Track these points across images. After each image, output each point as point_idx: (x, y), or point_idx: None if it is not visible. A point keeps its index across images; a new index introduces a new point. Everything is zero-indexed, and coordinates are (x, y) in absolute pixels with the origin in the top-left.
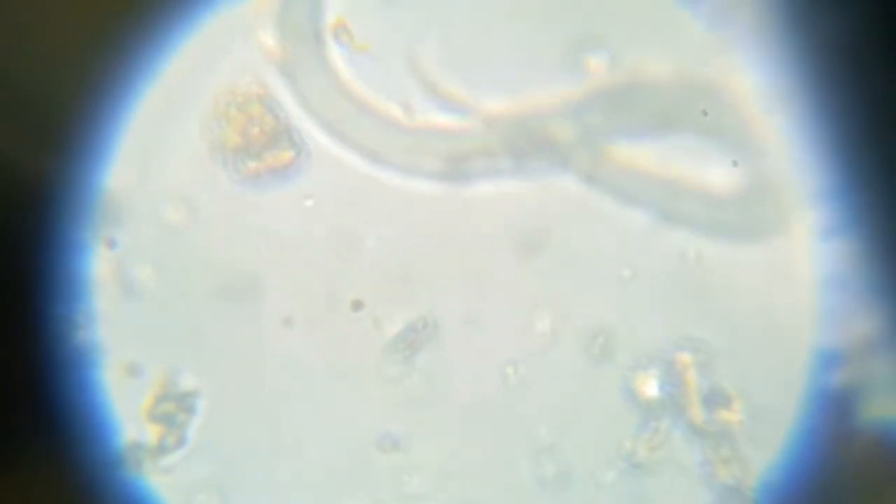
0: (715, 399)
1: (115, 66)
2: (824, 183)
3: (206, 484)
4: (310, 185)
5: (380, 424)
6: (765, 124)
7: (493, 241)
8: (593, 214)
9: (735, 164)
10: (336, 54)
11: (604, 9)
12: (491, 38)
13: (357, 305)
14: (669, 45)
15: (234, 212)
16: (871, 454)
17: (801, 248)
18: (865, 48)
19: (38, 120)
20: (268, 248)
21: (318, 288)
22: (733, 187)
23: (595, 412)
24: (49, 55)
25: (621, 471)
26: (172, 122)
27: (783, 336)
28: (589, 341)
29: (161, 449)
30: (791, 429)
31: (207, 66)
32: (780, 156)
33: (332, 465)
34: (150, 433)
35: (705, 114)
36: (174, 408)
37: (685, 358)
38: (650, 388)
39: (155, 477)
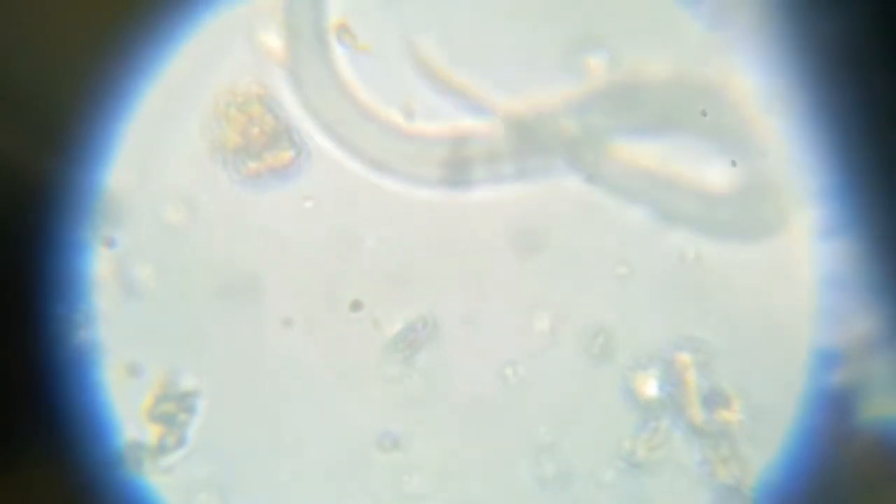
0: (714, 399)
1: (116, 66)
2: (824, 183)
3: (206, 484)
4: (310, 185)
5: (380, 424)
6: (764, 124)
7: (492, 241)
8: (592, 214)
9: (734, 164)
10: (338, 55)
11: (603, 9)
12: (491, 38)
13: (356, 306)
14: (669, 45)
15: (234, 212)
16: (870, 454)
17: (801, 247)
18: (864, 48)
19: (38, 120)
20: (268, 248)
21: (317, 288)
22: (733, 187)
23: (595, 412)
24: (49, 55)
25: (621, 470)
26: (172, 122)
27: (783, 336)
28: (589, 341)
29: (161, 449)
30: (790, 428)
31: (207, 66)
32: (780, 156)
33: (332, 464)
34: (151, 433)
35: (704, 114)
36: (174, 408)
37: (685, 358)
38: (650, 387)
39: (155, 477)
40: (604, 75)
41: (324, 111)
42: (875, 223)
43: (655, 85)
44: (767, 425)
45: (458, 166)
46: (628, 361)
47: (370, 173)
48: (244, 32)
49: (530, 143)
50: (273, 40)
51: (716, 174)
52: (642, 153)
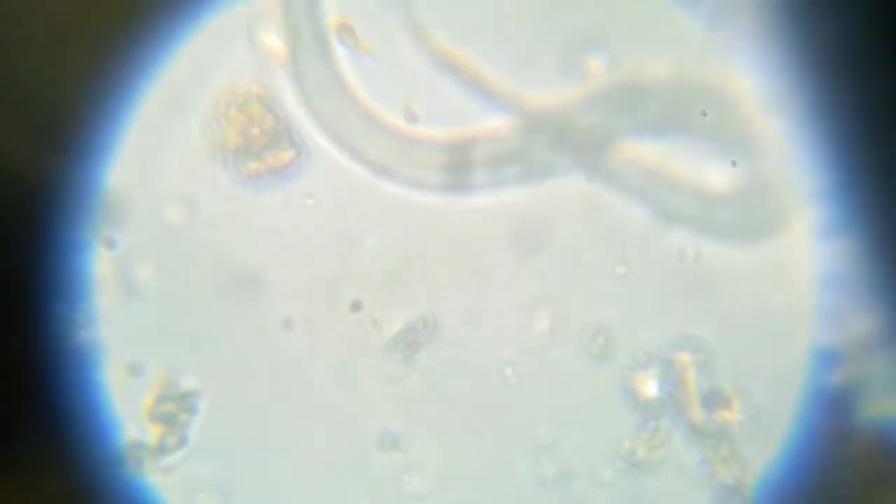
0: (714, 399)
1: (116, 66)
2: (823, 183)
3: (206, 483)
4: (310, 184)
5: (380, 424)
6: (764, 124)
7: (492, 241)
8: (592, 214)
9: (734, 164)
10: (338, 55)
11: (603, 9)
12: (490, 39)
13: (356, 306)
14: (668, 45)
15: (235, 212)
16: (870, 453)
17: (800, 247)
18: (864, 49)
19: (38, 119)
20: (268, 248)
21: (318, 287)
22: (733, 187)
23: (594, 412)
24: (49, 55)
25: (621, 470)
26: (173, 122)
27: (782, 335)
28: (589, 341)
29: (162, 449)
30: (790, 428)
31: (208, 66)
32: (780, 156)
33: (333, 464)
34: (151, 433)
35: (704, 114)
36: (175, 408)
37: (684, 357)
38: (650, 387)
39: (155, 477)
40: (606, 75)
41: (325, 113)
42: (874, 223)
43: (655, 85)
44: (767, 425)
45: (460, 171)
46: (628, 361)
47: (371, 174)
48: (244, 32)
49: (545, 139)
50: (273, 40)
51: (716, 174)
52: (642, 153)
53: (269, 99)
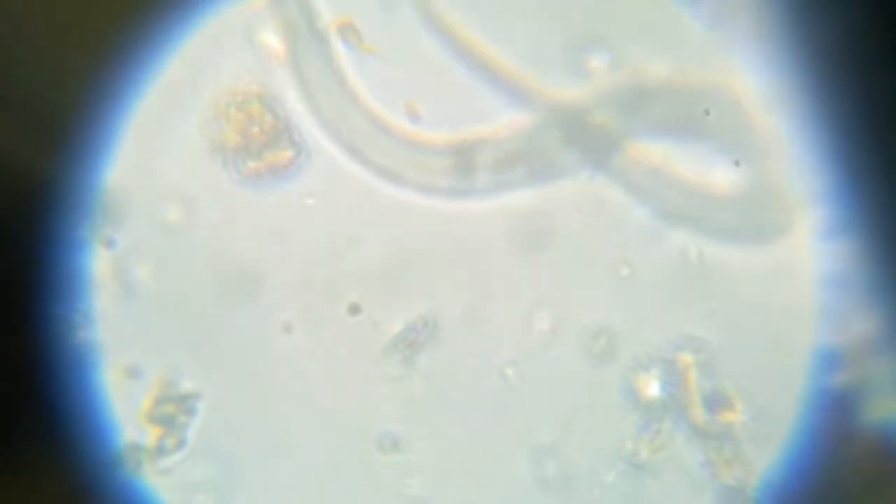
0: (717, 400)
1: (116, 66)
2: (825, 183)
3: (204, 485)
4: (310, 184)
5: (380, 425)
6: (765, 125)
7: (493, 240)
8: (594, 214)
9: (737, 163)
10: (337, 55)
11: (603, 9)
12: (490, 38)
13: (354, 309)
14: (669, 45)
15: (234, 211)
16: (872, 454)
17: (802, 248)
18: (864, 48)
19: (38, 119)
20: (268, 248)
21: (318, 287)
22: (734, 187)
23: (596, 413)
24: (49, 55)
25: (622, 472)
26: (172, 122)
27: (784, 336)
28: (590, 341)
29: (160, 450)
30: (792, 429)
31: (207, 65)
32: (781, 156)
33: (332, 465)
34: (150, 434)
35: (707, 113)
36: (174, 409)
37: (686, 358)
38: (652, 388)
39: (154, 478)
40: (615, 75)
41: (327, 115)
42: (876, 223)
43: (656, 85)
44: (769, 426)
45: (466, 174)
46: (630, 362)
47: (375, 176)
48: (244, 32)
49: (557, 135)
50: (273, 39)
51: (717, 174)
52: (647, 153)
53: (269, 98)
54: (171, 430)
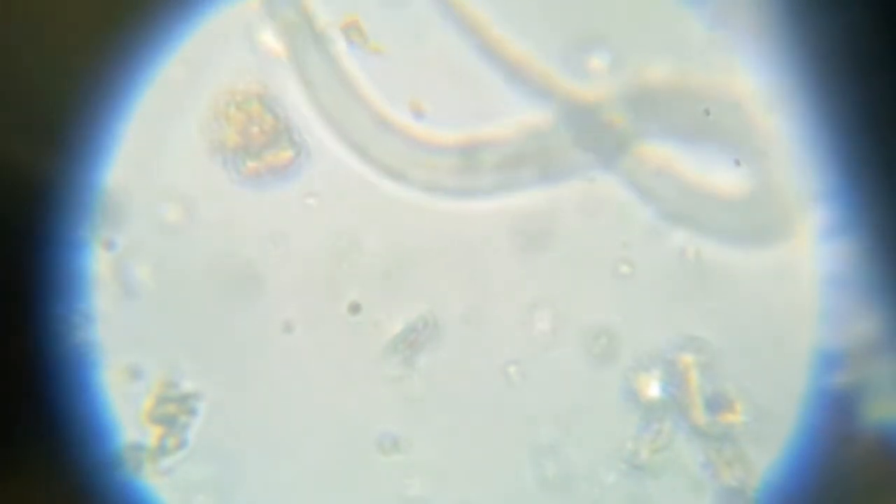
0: (718, 400)
1: (115, 65)
2: (826, 183)
3: (204, 485)
4: (311, 184)
5: (380, 425)
6: (766, 124)
7: (493, 240)
8: (595, 214)
9: (737, 163)
10: (339, 53)
11: (605, 9)
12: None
13: (354, 309)
14: (671, 45)
15: (234, 211)
16: (873, 455)
17: (803, 248)
18: (866, 48)
19: (38, 118)
20: (268, 248)
21: (318, 287)
22: (735, 187)
23: (597, 413)
24: (49, 54)
25: (623, 472)
26: (172, 122)
27: (785, 336)
28: (591, 341)
29: (161, 450)
30: (793, 429)
31: (207, 64)
32: (782, 156)
33: (332, 466)
34: (151, 434)
35: (707, 113)
36: (175, 409)
37: (687, 359)
38: (652, 388)
39: (155, 478)
40: (619, 76)
41: (329, 111)
42: (877, 223)
43: (657, 85)
44: (770, 427)
45: (471, 173)
46: (630, 362)
47: (369, 171)
48: (244, 31)
49: (572, 133)
50: (272, 38)
51: (718, 174)
52: (654, 154)
53: (269, 98)
54: (173, 429)
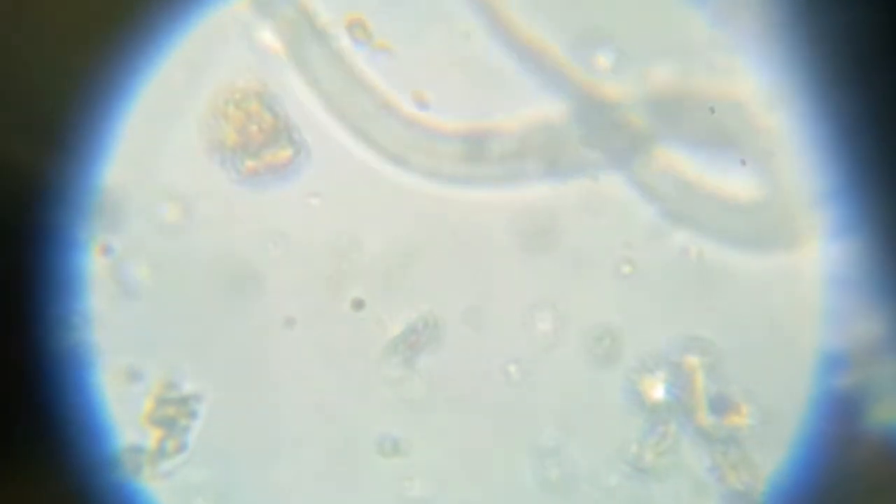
0: (723, 403)
1: (113, 64)
2: (830, 183)
3: (203, 487)
4: (312, 183)
5: (380, 428)
6: (770, 124)
7: (494, 240)
8: (598, 213)
9: (743, 162)
10: (339, 50)
11: (609, 7)
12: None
13: (358, 305)
14: (674, 45)
15: (233, 211)
16: (877, 457)
17: (808, 249)
18: (871, 47)
19: (35, 118)
20: (268, 247)
21: (318, 288)
22: (741, 189)
23: (600, 415)
24: (47, 52)
25: (626, 475)
26: (170, 121)
27: (789, 338)
28: (594, 342)
29: (161, 453)
30: (797, 432)
31: (206, 63)
32: (786, 156)
33: (333, 468)
34: (151, 437)
35: (713, 111)
36: (175, 412)
37: (693, 360)
38: (657, 391)
39: (154, 481)
40: (616, 75)
41: (331, 99)
42: (881, 224)
43: (659, 85)
44: (776, 429)
45: (475, 162)
46: (635, 364)
47: (370, 170)
48: (242, 29)
49: (592, 129)
50: (272, 37)
51: (723, 175)
52: (669, 158)
53: (268, 96)
54: (172, 432)
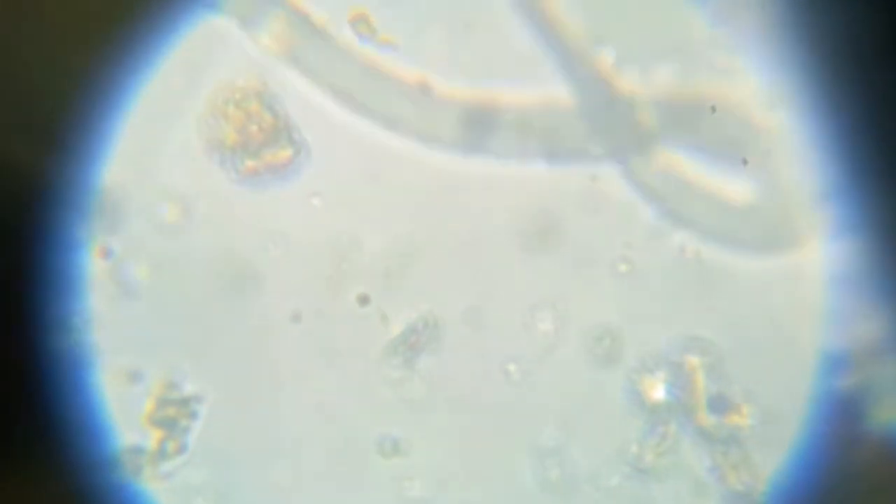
0: (724, 403)
1: (113, 64)
2: (831, 183)
3: (203, 488)
4: (310, 182)
5: (380, 428)
6: (770, 124)
7: (495, 240)
8: (599, 213)
9: (745, 162)
10: (341, 45)
11: (609, 6)
12: (491, 36)
13: (363, 300)
14: (674, 43)
15: (233, 210)
16: (878, 457)
17: (809, 248)
18: (870, 47)
19: (35, 118)
20: (267, 247)
21: (318, 288)
22: (743, 189)
23: (600, 416)
24: (47, 52)
25: (627, 476)
26: (170, 120)
27: (790, 338)
28: (594, 343)
29: (161, 454)
30: (799, 432)
31: (205, 62)
32: (787, 155)
33: (333, 469)
34: (151, 438)
35: (714, 110)
36: (175, 412)
37: (693, 360)
38: (657, 391)
39: (154, 482)
40: (614, 74)
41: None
42: (883, 224)
43: (660, 85)
44: (776, 429)
45: (475, 132)
46: (635, 364)
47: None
48: (242, 28)
49: (599, 120)
50: (271, 36)
51: (723, 176)
52: (669, 158)
53: (268, 96)
54: (173, 433)
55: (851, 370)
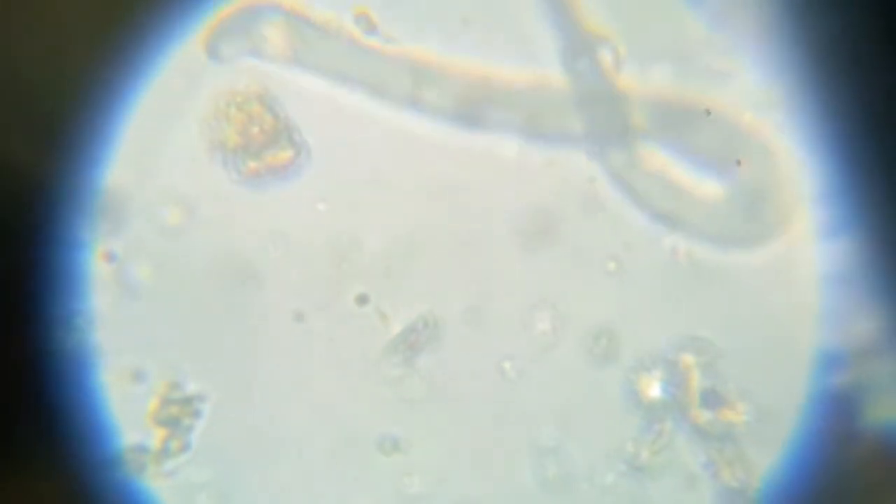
0: (719, 400)
1: (115, 65)
2: (826, 183)
3: (205, 486)
4: (310, 183)
5: (380, 426)
6: (766, 125)
7: (495, 240)
8: (597, 213)
9: (738, 162)
10: (340, 40)
11: (606, 6)
12: (491, 34)
13: (362, 300)
14: (671, 44)
15: (234, 211)
16: (873, 455)
17: (804, 248)
18: (866, 47)
19: (37, 119)
20: (268, 248)
21: (319, 288)
22: (735, 188)
23: (597, 414)
24: (49, 54)
25: (623, 473)
26: (172, 122)
27: (786, 337)
28: (592, 342)
29: (165, 453)
30: (794, 430)
31: (207, 64)
32: (782, 156)
33: (334, 467)
34: (155, 437)
35: (708, 113)
36: (179, 411)
37: (689, 359)
38: (653, 389)
39: (157, 480)
40: (610, 73)
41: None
42: (878, 223)
43: (657, 85)
44: (771, 427)
45: (474, 104)
46: (632, 362)
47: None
48: (243, 30)
49: (588, 108)
50: (272, 37)
51: (718, 176)
52: (652, 156)
53: (269, 98)
54: (176, 432)
55: (846, 368)
